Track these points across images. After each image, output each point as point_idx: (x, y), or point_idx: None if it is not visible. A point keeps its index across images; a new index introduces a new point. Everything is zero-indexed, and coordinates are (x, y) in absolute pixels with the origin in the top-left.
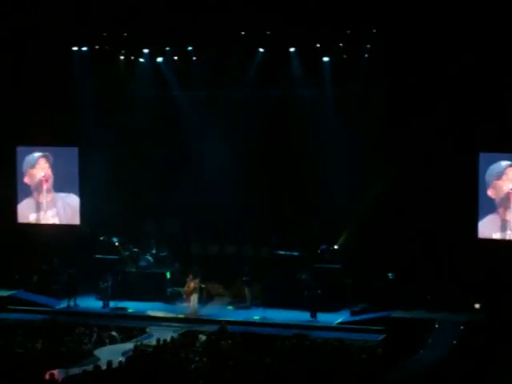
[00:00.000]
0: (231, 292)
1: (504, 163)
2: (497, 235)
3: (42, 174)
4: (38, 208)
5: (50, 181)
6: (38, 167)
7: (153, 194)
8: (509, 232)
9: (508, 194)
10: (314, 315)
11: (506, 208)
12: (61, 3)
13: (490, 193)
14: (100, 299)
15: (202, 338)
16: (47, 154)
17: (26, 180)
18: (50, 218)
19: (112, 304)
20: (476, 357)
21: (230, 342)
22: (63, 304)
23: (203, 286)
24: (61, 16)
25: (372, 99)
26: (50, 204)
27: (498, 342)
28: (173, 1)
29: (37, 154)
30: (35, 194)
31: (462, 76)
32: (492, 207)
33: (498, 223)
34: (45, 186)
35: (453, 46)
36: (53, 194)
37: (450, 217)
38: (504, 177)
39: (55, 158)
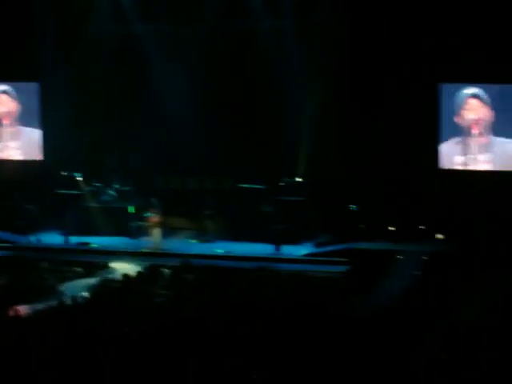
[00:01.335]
0: (194, 226)
1: (465, 92)
2: (459, 159)
3: (5, 110)
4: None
5: (13, 115)
6: (1, 100)
7: (115, 129)
8: (470, 157)
9: (470, 123)
10: (278, 248)
11: (468, 136)
12: None
13: (456, 119)
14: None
15: (166, 271)
16: (9, 89)
17: None
18: (12, 149)
19: (74, 240)
20: (439, 287)
21: (193, 275)
22: (25, 240)
23: (163, 219)
24: None
25: (334, 29)
26: (14, 137)
27: (461, 272)
28: None
29: None
30: None
31: (422, 8)
32: (457, 132)
33: (460, 147)
34: (6, 122)
35: None
36: (16, 128)
37: (412, 147)
38: (466, 106)
39: (18, 94)
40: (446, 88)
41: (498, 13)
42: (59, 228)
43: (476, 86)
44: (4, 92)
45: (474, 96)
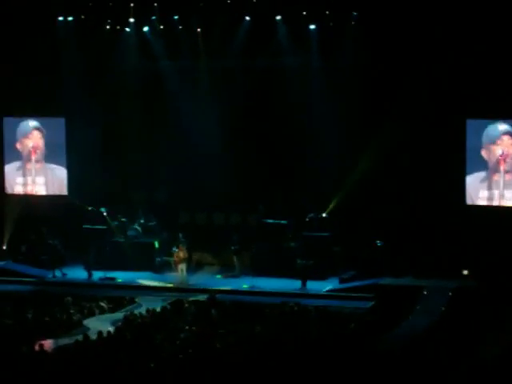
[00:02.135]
0: (220, 261)
1: (499, 128)
2: (484, 193)
3: (32, 145)
4: (26, 174)
5: (40, 152)
6: (30, 137)
7: (141, 164)
8: (496, 192)
9: (498, 159)
10: (304, 283)
11: (495, 171)
12: None
13: (483, 153)
14: (84, 270)
15: (192, 307)
16: (40, 126)
17: (18, 146)
18: (38, 185)
19: (99, 274)
20: (464, 323)
21: (219, 310)
22: (50, 274)
23: (189, 254)
24: None
25: (359, 67)
26: (39, 172)
27: (486, 308)
28: None
29: (31, 124)
30: (24, 161)
31: (449, 43)
32: (483, 167)
33: (486, 183)
34: (34, 157)
35: (441, 12)
36: (42, 164)
37: (438, 183)
38: (498, 141)
39: (47, 130)
40: (472, 124)
41: None
42: (84, 263)
43: (504, 123)
44: (36, 128)
45: (508, 133)
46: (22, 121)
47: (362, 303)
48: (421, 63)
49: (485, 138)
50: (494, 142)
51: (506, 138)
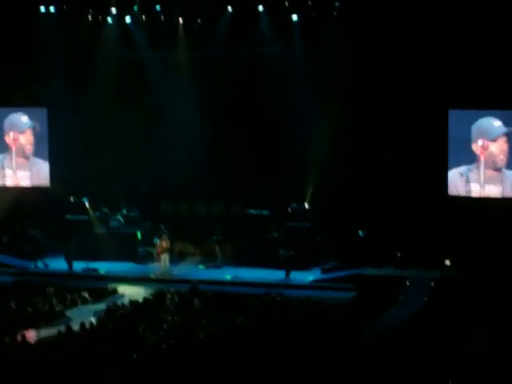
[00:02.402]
0: (202, 251)
1: (496, 124)
2: (467, 187)
3: (25, 143)
4: (11, 167)
5: (30, 148)
6: (24, 134)
7: (123, 155)
8: (476, 185)
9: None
10: (288, 274)
11: (479, 166)
12: None
13: (474, 147)
14: (65, 260)
15: (174, 297)
16: (36, 124)
17: (7, 139)
18: (21, 178)
19: (81, 265)
20: (447, 314)
21: (201, 301)
22: (32, 265)
23: (171, 245)
24: None
25: (342, 58)
26: (25, 166)
27: (469, 298)
28: None
29: (24, 120)
30: (12, 155)
31: (432, 33)
32: (465, 159)
33: (470, 176)
34: (24, 152)
35: (423, 3)
36: (29, 159)
37: (420, 174)
38: (496, 140)
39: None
40: (454, 114)
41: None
42: (65, 253)
43: (485, 113)
44: (31, 128)
45: (506, 135)
46: (13, 113)
47: (344, 293)
48: (404, 53)
49: (477, 132)
50: (490, 140)
51: (502, 139)
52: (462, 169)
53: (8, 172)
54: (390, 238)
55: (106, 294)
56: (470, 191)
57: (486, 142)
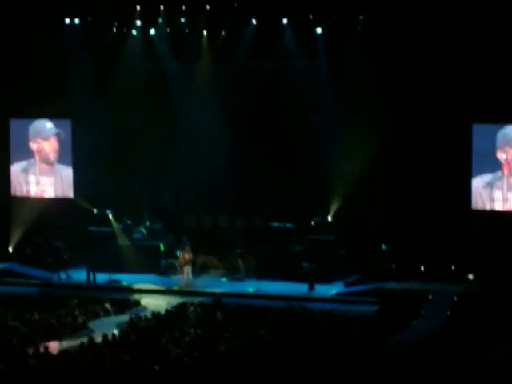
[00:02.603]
0: (225, 264)
1: None
2: (490, 196)
3: (49, 149)
4: (35, 175)
5: (55, 156)
6: (49, 141)
7: (146, 167)
8: (500, 194)
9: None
10: (312, 287)
11: (502, 175)
12: None
13: (498, 155)
14: (87, 272)
15: (197, 310)
16: (60, 131)
17: (32, 146)
18: (45, 186)
19: (104, 277)
20: (470, 327)
21: (224, 313)
22: (55, 277)
23: (194, 257)
24: None
25: (366, 71)
26: (48, 174)
27: (492, 312)
28: None
29: (49, 126)
30: (35, 163)
31: (456, 47)
32: (489, 170)
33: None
34: (47, 159)
35: (447, 15)
36: (52, 167)
37: (444, 187)
38: None
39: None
40: (478, 129)
41: None
42: (86, 265)
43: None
44: (56, 134)
45: None
46: (37, 120)
47: (367, 307)
48: (428, 67)
49: (503, 139)
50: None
51: None
52: (487, 178)
53: (32, 178)
54: (413, 252)
55: (129, 305)
56: (494, 200)
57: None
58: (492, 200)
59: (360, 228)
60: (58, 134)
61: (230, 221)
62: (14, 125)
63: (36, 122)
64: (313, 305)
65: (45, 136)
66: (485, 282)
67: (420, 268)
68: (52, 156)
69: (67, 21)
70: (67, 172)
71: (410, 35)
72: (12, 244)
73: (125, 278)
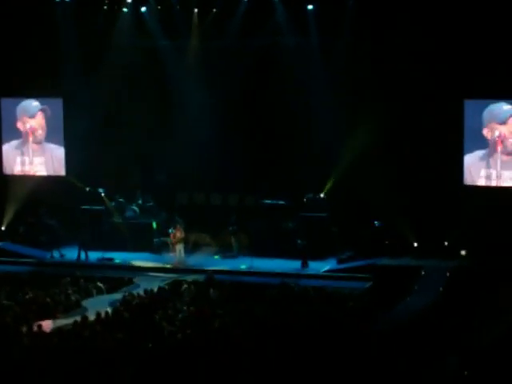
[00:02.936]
0: (218, 241)
1: (506, 108)
2: (482, 172)
3: (34, 125)
4: (24, 153)
5: (42, 133)
6: (35, 118)
7: (138, 145)
8: (493, 172)
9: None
10: (305, 264)
11: (494, 151)
12: None
13: (484, 132)
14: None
15: (190, 287)
16: (46, 107)
17: (19, 125)
18: (37, 165)
19: (97, 255)
20: (462, 303)
21: (217, 291)
22: (48, 255)
23: (186, 235)
24: None
25: (357, 48)
26: (39, 152)
27: (484, 288)
28: None
29: (34, 104)
30: (24, 141)
31: (449, 22)
32: (481, 146)
33: (485, 162)
34: (34, 137)
35: None
36: (42, 145)
37: (437, 163)
38: (506, 122)
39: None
40: (470, 104)
41: None
42: (78, 243)
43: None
44: (42, 110)
45: None
46: (24, 100)
47: (360, 283)
48: (419, 43)
49: (488, 117)
50: (500, 122)
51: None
52: (479, 154)
53: (23, 158)
54: (406, 228)
55: (122, 283)
56: (486, 177)
57: (496, 125)
58: (484, 176)
59: (352, 205)
60: (43, 110)
61: (222, 198)
62: (5, 104)
63: (22, 102)
64: (306, 281)
65: (31, 114)
66: (477, 258)
67: (413, 244)
68: (39, 134)
69: None
70: (58, 151)
71: (400, 12)
72: (4, 223)
73: (117, 256)
